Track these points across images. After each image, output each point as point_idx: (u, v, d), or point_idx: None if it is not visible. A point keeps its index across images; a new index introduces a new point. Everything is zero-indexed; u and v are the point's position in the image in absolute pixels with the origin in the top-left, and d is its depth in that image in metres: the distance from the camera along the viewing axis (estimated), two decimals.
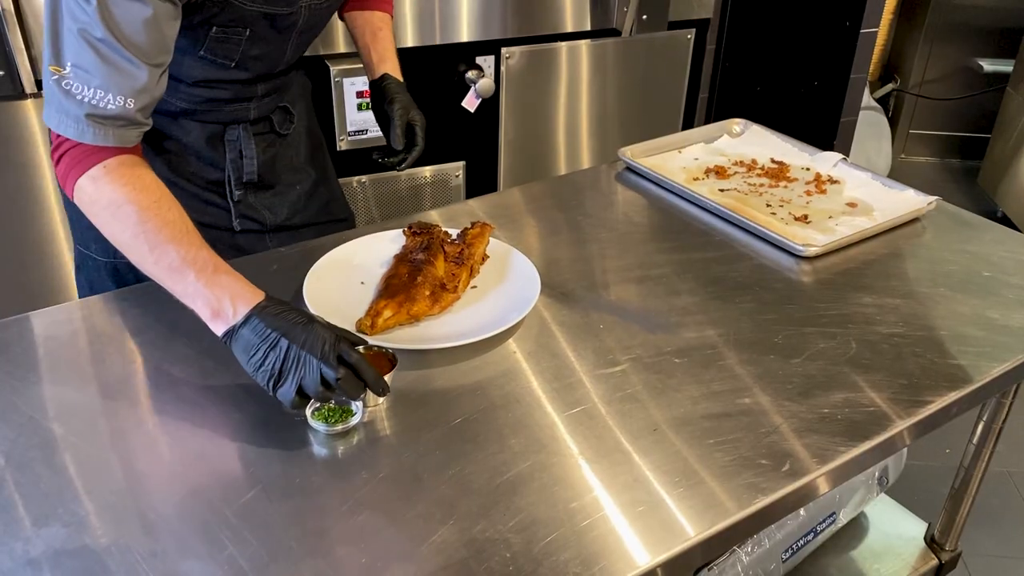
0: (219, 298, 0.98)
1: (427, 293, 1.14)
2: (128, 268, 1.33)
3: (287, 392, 0.94)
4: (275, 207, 1.42)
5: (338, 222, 1.52)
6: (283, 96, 1.38)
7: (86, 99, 1.01)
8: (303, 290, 1.14)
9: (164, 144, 1.29)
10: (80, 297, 1.39)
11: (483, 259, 1.26)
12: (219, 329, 0.98)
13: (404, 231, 1.29)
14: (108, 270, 1.34)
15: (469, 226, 1.27)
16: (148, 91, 1.05)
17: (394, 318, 1.10)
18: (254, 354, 0.95)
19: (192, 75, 1.22)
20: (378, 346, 1.04)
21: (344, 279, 1.21)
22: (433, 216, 1.44)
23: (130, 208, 1.01)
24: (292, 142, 1.43)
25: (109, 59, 1.00)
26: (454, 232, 1.27)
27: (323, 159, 1.52)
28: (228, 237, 1.37)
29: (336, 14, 1.46)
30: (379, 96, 1.41)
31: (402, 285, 1.14)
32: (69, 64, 1.00)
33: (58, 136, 1.04)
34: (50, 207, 1.97)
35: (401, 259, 1.22)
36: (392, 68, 1.42)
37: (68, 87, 1.00)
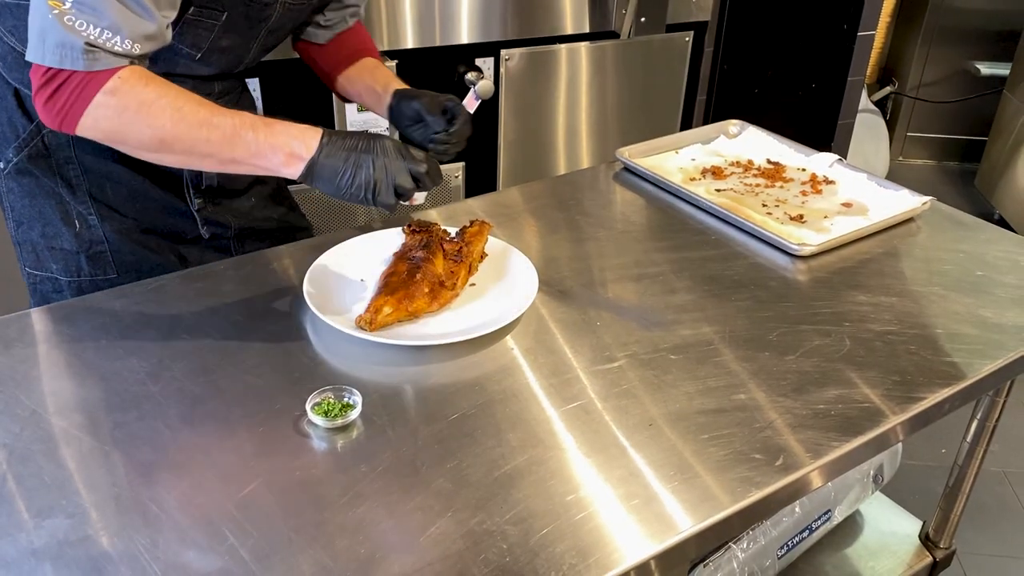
0: (287, 142, 1.06)
1: (426, 290, 1.15)
2: (92, 286, 1.30)
3: (387, 196, 1.07)
4: (237, 212, 1.41)
5: (301, 230, 1.53)
6: (236, 101, 1.38)
7: (91, 36, 1.00)
8: (303, 286, 1.15)
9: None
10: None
11: (482, 257, 1.27)
12: (297, 168, 1.07)
13: (403, 229, 1.30)
14: (72, 290, 1.32)
15: (468, 224, 1.28)
16: (154, 38, 1.06)
17: (393, 315, 1.12)
18: (342, 176, 1.06)
19: (153, 69, 1.22)
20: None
21: (344, 276, 1.23)
22: (432, 215, 1.45)
23: (163, 101, 1.04)
24: None
25: (123, 1, 1.01)
26: (453, 230, 1.28)
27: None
28: (196, 250, 1.37)
29: (332, 90, 1.45)
30: (402, 106, 1.31)
31: (401, 282, 1.15)
32: (70, 1, 0.99)
33: (48, 70, 1.01)
34: None
35: (400, 257, 1.23)
36: (399, 84, 1.36)
37: (71, 22, 0.99)
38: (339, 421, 0.96)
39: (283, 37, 1.35)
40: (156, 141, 1.05)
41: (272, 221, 1.48)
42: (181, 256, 1.37)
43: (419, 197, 1.15)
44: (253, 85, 1.96)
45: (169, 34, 1.09)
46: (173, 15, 1.09)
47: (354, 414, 0.97)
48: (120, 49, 1.02)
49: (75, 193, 1.28)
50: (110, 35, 1.01)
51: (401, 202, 1.10)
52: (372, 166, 1.06)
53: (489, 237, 1.29)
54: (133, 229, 1.31)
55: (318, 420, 0.96)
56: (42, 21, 1.00)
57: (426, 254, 1.20)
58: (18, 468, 0.91)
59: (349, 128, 2.08)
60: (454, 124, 1.26)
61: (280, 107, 2.02)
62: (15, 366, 1.06)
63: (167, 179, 1.32)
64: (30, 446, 0.94)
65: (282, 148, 1.06)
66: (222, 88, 1.32)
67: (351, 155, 1.06)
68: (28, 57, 1.03)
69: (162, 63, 1.21)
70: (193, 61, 1.23)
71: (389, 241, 1.30)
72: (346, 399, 0.99)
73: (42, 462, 0.92)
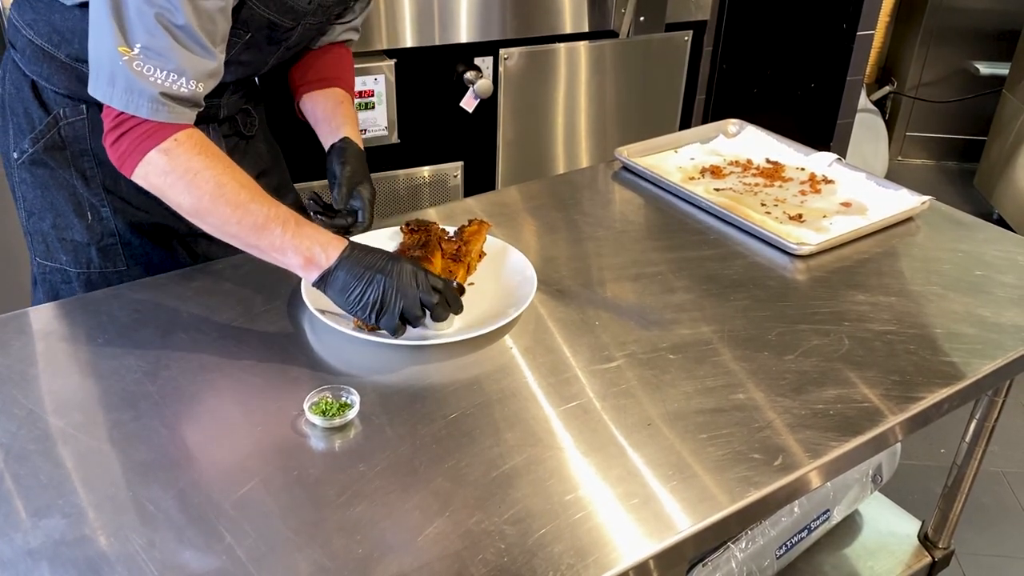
0: (309, 247, 1.07)
1: None
2: (102, 279, 1.32)
3: (391, 320, 1.06)
4: None
5: None
6: (246, 99, 1.40)
7: (159, 80, 1.04)
8: (302, 285, 1.15)
9: None
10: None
11: (480, 256, 1.27)
12: (313, 275, 1.08)
13: (401, 228, 1.30)
14: (81, 281, 1.33)
15: (466, 224, 1.28)
16: (215, 75, 1.10)
17: None
18: (352, 291, 1.06)
19: None
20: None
21: None
22: (431, 214, 1.45)
23: (208, 174, 1.06)
24: (254, 146, 1.45)
25: (186, 44, 1.04)
26: (452, 229, 1.28)
27: (282, 166, 1.54)
28: (203, 243, 1.37)
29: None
30: (334, 155, 1.32)
31: None
32: (139, 46, 1.03)
33: (118, 115, 1.06)
34: None
35: (409, 249, 1.23)
36: (352, 133, 1.34)
37: (140, 68, 1.03)
38: (337, 420, 0.96)
39: (299, 50, 1.37)
40: (192, 210, 1.08)
41: None
42: (191, 250, 1.38)
43: (430, 324, 1.11)
44: None
45: (222, 66, 1.12)
46: (226, 44, 1.12)
47: (352, 413, 0.97)
48: (186, 91, 1.06)
49: (89, 185, 1.29)
50: (176, 77, 1.05)
51: (411, 327, 1.09)
52: (382, 288, 1.05)
53: (488, 236, 1.29)
54: (144, 222, 1.32)
55: (316, 419, 0.96)
56: (111, 65, 1.04)
57: (424, 253, 1.20)
58: (15, 467, 0.90)
59: None
60: (356, 218, 1.28)
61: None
62: (12, 365, 1.05)
63: None
64: (27, 445, 0.93)
65: (304, 252, 1.07)
66: (234, 88, 1.34)
67: (366, 272, 1.06)
68: (95, 94, 1.07)
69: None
70: None
71: (388, 240, 1.30)
72: (344, 399, 0.99)
73: (39, 461, 0.91)
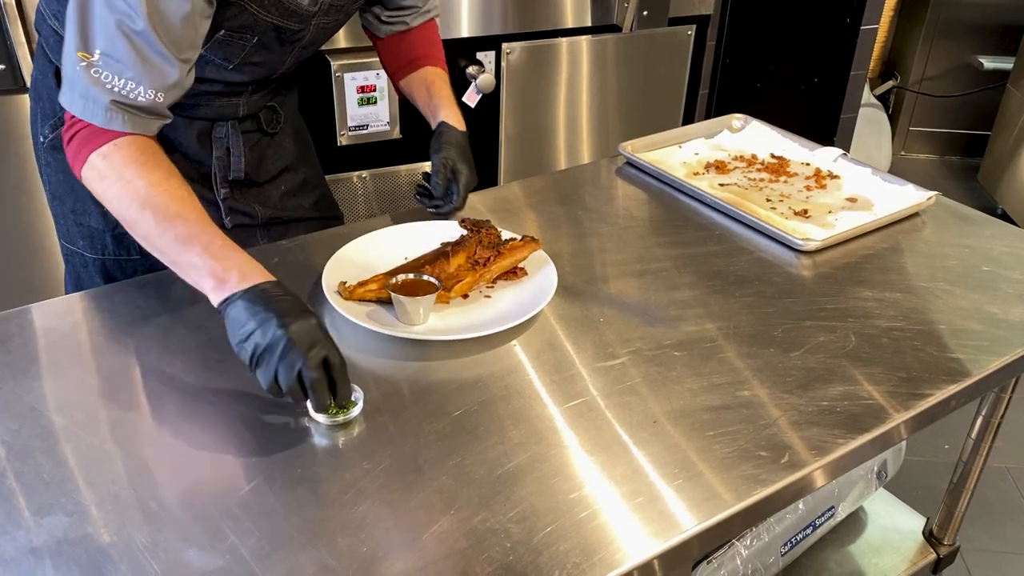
0: (226, 269, 0.97)
1: (423, 279, 1.14)
2: (116, 266, 1.34)
3: (265, 374, 0.92)
4: (264, 200, 1.42)
5: (330, 219, 1.52)
6: (272, 96, 1.39)
7: (116, 88, 1.01)
8: (324, 272, 1.16)
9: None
10: (67, 293, 1.39)
11: (519, 273, 1.23)
12: (218, 297, 0.97)
13: (459, 222, 1.28)
14: (97, 267, 1.34)
15: (518, 237, 1.24)
16: (178, 86, 1.06)
17: (374, 293, 1.14)
18: (243, 327, 0.93)
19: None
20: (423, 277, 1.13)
21: (391, 249, 1.25)
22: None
23: (139, 183, 1.02)
24: (279, 142, 1.43)
25: (144, 53, 1.01)
26: (508, 235, 1.25)
27: (311, 160, 1.52)
28: None
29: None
30: (432, 143, 1.35)
31: (411, 270, 1.16)
32: (98, 52, 1.00)
33: (72, 117, 1.04)
34: None
35: (444, 244, 1.23)
36: (448, 115, 1.36)
37: (97, 75, 1.01)
38: (340, 418, 0.96)
39: (319, 47, 1.36)
40: (121, 217, 1.04)
41: (303, 209, 1.47)
42: None
43: (356, 406, 0.97)
44: None
45: (191, 78, 1.09)
46: (196, 54, 1.09)
47: (356, 411, 0.97)
48: (144, 100, 1.03)
49: None
50: (133, 86, 1.02)
51: (277, 396, 0.94)
52: (272, 337, 0.91)
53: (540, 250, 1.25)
54: None
55: (319, 417, 0.96)
56: (71, 69, 1.02)
57: (454, 249, 1.19)
58: (17, 465, 0.90)
59: (349, 123, 2.07)
60: (450, 200, 1.32)
61: None
62: (14, 362, 1.05)
63: (196, 168, 1.33)
64: (29, 443, 0.93)
65: (219, 273, 0.97)
66: (255, 87, 1.33)
67: (265, 313, 0.93)
68: (60, 99, 1.05)
69: (196, 68, 1.20)
70: (226, 70, 1.24)
71: (418, 235, 1.29)
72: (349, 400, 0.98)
73: (41, 459, 0.91)
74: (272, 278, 0.98)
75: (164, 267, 1.26)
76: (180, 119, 1.28)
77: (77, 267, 1.37)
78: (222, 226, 1.37)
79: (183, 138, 1.30)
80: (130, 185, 1.02)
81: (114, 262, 1.34)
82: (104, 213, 1.29)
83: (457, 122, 1.36)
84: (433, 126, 1.37)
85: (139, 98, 1.03)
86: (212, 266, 0.98)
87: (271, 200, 1.42)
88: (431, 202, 1.33)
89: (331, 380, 0.93)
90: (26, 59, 1.76)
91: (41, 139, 1.32)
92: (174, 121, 1.28)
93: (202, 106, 1.29)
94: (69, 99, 1.04)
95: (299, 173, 1.47)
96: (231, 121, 1.33)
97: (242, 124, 1.35)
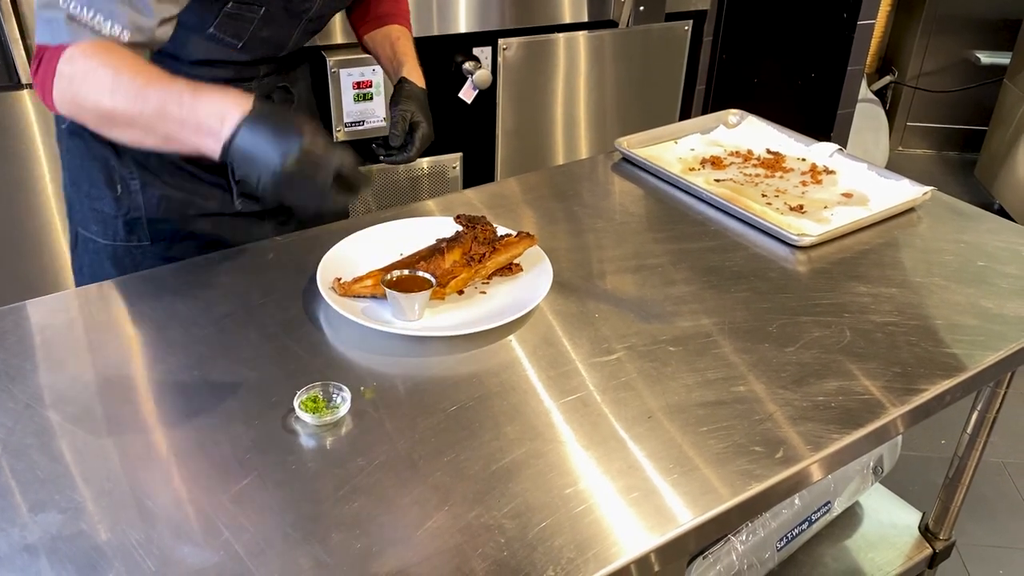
0: (205, 118, 0.97)
1: (417, 274, 1.14)
2: (126, 252, 1.34)
3: (318, 182, 0.96)
4: None
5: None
6: (284, 76, 1.39)
7: (86, 19, 1.01)
8: (318, 268, 1.16)
9: None
10: (76, 280, 1.40)
11: (514, 268, 1.23)
12: (215, 149, 0.98)
13: (455, 218, 1.28)
14: (107, 253, 1.35)
15: (514, 233, 1.24)
16: (144, 31, 1.05)
17: (369, 289, 1.13)
18: (266, 155, 0.95)
19: (195, 54, 1.22)
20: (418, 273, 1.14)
21: (386, 245, 1.25)
22: (430, 205, 1.44)
23: (104, 71, 1.01)
24: None
25: None
26: (503, 230, 1.25)
27: None
28: (228, 221, 1.38)
29: (359, 43, 1.49)
30: (392, 97, 1.39)
31: (406, 266, 1.16)
32: None
33: (38, 47, 1.03)
34: (47, 197, 1.97)
35: (440, 240, 1.23)
36: (409, 71, 1.40)
37: (66, 4, 1.01)
38: (327, 418, 0.95)
39: (325, 23, 1.37)
40: (100, 114, 1.03)
41: None
42: (215, 230, 1.38)
43: (342, 406, 0.98)
44: None
45: (165, 32, 1.09)
46: (176, 10, 1.09)
47: (342, 412, 0.96)
48: (107, 32, 1.02)
49: (121, 158, 1.30)
50: (102, 18, 1.02)
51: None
52: (296, 155, 0.94)
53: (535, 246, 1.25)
54: (172, 198, 1.33)
55: (305, 417, 0.95)
56: (51, 11, 1.02)
57: (448, 245, 1.19)
58: (12, 462, 0.90)
59: (345, 119, 2.07)
60: (407, 149, 1.34)
61: None
62: (8, 359, 1.05)
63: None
64: (24, 440, 0.93)
65: (202, 125, 0.98)
66: (266, 70, 1.33)
67: (280, 124, 0.96)
68: (36, 40, 1.05)
69: (204, 50, 1.22)
70: (234, 50, 1.24)
71: (414, 231, 1.28)
72: (334, 395, 0.98)
73: (36, 456, 0.91)
74: (251, 97, 0.98)
75: (167, 261, 1.27)
76: None
77: (89, 252, 1.38)
78: (236, 213, 1.38)
79: None
80: (95, 74, 1.01)
81: (124, 248, 1.34)
82: (117, 198, 1.31)
83: (419, 79, 1.39)
84: (394, 82, 1.40)
85: (104, 31, 1.02)
86: (196, 120, 0.98)
87: None
88: (387, 152, 1.35)
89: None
90: (21, 56, 1.76)
91: (63, 125, 1.33)
92: None
93: None
94: (39, 35, 1.04)
95: None
96: None
97: None
